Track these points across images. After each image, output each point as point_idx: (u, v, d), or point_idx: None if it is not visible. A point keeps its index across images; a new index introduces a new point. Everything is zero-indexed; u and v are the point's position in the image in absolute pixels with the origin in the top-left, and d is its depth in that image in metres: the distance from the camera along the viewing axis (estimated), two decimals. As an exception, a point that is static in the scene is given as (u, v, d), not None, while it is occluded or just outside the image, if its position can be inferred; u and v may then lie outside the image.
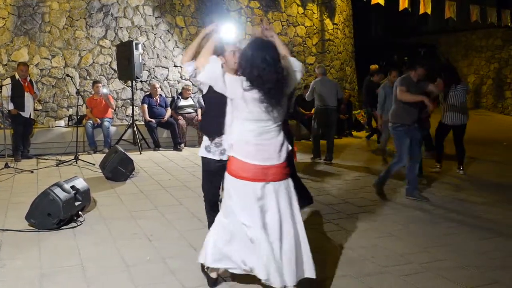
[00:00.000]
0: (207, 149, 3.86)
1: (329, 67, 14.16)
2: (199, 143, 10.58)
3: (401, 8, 12.71)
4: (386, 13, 21.41)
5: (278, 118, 3.27)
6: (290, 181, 3.35)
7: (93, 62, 10.77)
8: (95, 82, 10.06)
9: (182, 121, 10.41)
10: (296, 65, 3.44)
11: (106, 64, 10.92)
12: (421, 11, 13.08)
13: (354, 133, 12.84)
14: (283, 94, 3.26)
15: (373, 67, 12.60)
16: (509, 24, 15.52)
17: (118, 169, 7.07)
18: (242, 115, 3.23)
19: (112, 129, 9.98)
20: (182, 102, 10.71)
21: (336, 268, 4.09)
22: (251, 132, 3.22)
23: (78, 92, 8.66)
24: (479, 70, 16.72)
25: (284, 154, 3.29)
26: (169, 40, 11.56)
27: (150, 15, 11.34)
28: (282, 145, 3.29)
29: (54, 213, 4.74)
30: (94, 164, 8.22)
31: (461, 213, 5.83)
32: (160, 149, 10.14)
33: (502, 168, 8.65)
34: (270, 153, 3.23)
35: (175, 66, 11.54)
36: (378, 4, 12.39)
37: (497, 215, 5.75)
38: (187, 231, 4.95)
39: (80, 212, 5.14)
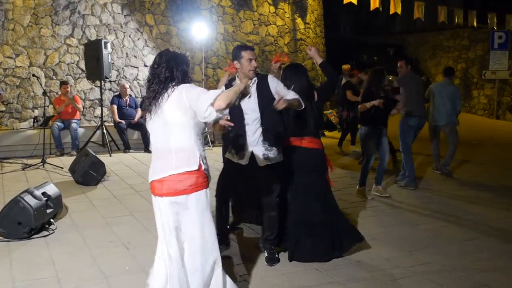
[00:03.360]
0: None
1: (301, 67, 14.11)
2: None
3: (372, 7, 12.80)
4: (354, 13, 21.60)
5: (163, 135, 2.99)
6: (198, 195, 2.98)
7: (60, 62, 10.41)
8: (63, 83, 9.68)
9: None
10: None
11: (73, 63, 10.57)
12: (392, 11, 13.21)
13: (327, 133, 12.79)
14: (162, 108, 2.96)
15: (345, 67, 12.55)
16: (475, 25, 15.82)
17: (89, 173, 6.80)
18: None
19: (80, 130, 9.65)
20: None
21: (323, 274, 3.99)
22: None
23: (44, 93, 8.33)
24: (446, 70, 17.01)
25: (181, 165, 2.95)
26: (138, 39, 11.29)
27: (118, 13, 11.04)
28: (174, 156, 2.97)
29: (24, 222, 4.48)
30: (62, 168, 7.91)
31: (440, 214, 5.82)
32: (131, 151, 9.85)
33: (474, 167, 8.74)
34: (156, 167, 3.01)
35: (145, 65, 11.26)
36: (345, 3, 12.48)
37: (477, 216, 5.77)
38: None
39: (51, 220, 4.89)
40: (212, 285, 3.05)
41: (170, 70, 2.98)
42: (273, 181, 4.10)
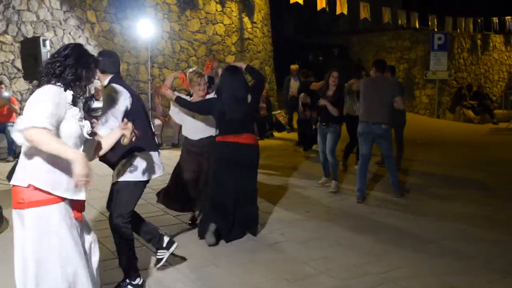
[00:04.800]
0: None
1: (249, 67, 13.90)
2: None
3: (319, 7, 12.79)
4: (298, 12, 21.66)
5: None
6: (25, 212, 2.55)
7: (-7, 60, 9.67)
8: (-3, 83, 8.99)
9: (96, 124, 9.60)
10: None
11: (8, 62, 9.84)
12: (338, 11, 13.26)
13: (276, 134, 12.66)
14: None
15: (294, 67, 12.53)
16: (417, 27, 16.23)
17: (30, 181, 6.24)
18: None
19: (17, 134, 8.97)
20: (96, 104, 9.89)
21: (295, 285, 3.78)
22: None
23: (-23, 94, 7.67)
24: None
25: (16, 176, 2.58)
26: (79, 37, 10.68)
27: (57, 9, 10.40)
28: (21, 162, 2.59)
29: (-41, 240, 3.98)
30: (-3, 175, 7.29)
31: (401, 217, 5.75)
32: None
33: (426, 167, 8.84)
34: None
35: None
36: (292, 3, 12.42)
37: (438, 217, 5.73)
38: (120, 251, 4.39)
39: (-10, 236, 4.40)
40: None
41: (63, 68, 2.63)
42: (116, 202, 3.61)
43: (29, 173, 2.53)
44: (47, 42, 8.94)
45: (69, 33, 10.54)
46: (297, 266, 4.19)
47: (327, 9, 13.04)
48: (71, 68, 2.64)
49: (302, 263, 4.25)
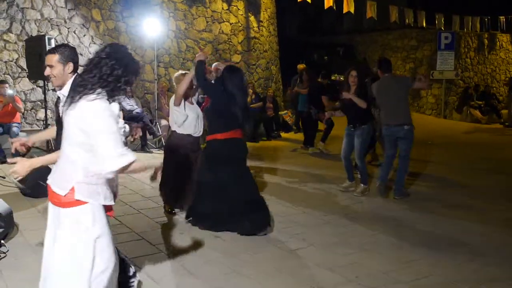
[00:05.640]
0: None
1: (255, 66, 13.71)
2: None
3: (326, 6, 12.69)
4: (302, 11, 21.46)
5: (63, 135, 2.58)
6: (62, 210, 2.52)
7: (-4, 59, 9.46)
8: (0, 82, 8.78)
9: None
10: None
11: (11, 61, 9.62)
12: (345, 10, 13.14)
13: (283, 134, 12.48)
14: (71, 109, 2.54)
15: (301, 66, 12.36)
16: (424, 26, 16.05)
17: (39, 184, 6.02)
18: None
19: (22, 135, 8.76)
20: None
21: (324, 295, 3.60)
22: None
23: (-19, 94, 7.46)
24: (396, 70, 17.09)
25: (56, 178, 2.55)
26: (84, 35, 10.47)
27: (62, 7, 10.19)
28: (60, 164, 2.60)
29: (-30, 247, 3.79)
30: (4, 178, 7.08)
31: (419, 220, 5.56)
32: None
33: (441, 169, 8.66)
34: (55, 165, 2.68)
35: (92, 63, 10.46)
36: (294, 3, 12.27)
37: (458, 223, 5.55)
38: (137, 257, 4.20)
39: (2, 241, 4.20)
40: None
41: (117, 74, 2.49)
42: None
43: (69, 184, 2.49)
44: (52, 41, 8.74)
45: (74, 32, 10.33)
46: (323, 273, 4.00)
47: (334, 7, 12.90)
48: (123, 73, 2.53)
49: (328, 270, 4.06)
